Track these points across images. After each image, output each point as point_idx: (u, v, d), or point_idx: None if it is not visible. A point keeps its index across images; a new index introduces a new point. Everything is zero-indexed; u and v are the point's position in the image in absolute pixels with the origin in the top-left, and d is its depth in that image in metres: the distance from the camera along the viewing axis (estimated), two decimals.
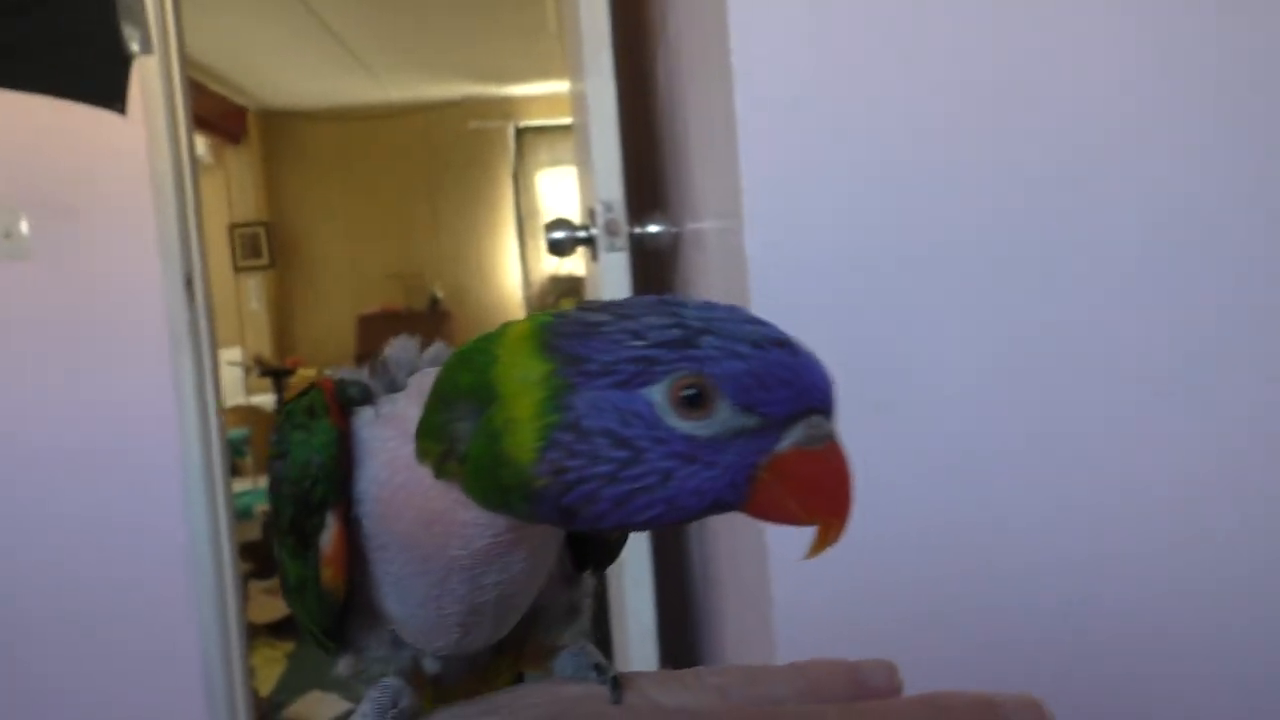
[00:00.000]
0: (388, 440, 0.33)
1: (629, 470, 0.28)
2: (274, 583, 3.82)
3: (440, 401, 0.31)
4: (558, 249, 1.32)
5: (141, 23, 2.05)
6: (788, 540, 0.33)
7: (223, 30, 4.74)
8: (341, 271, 6.96)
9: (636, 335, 0.28)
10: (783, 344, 0.28)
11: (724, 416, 0.28)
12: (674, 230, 1.31)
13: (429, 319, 6.79)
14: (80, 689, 2.05)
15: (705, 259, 1.14)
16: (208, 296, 2.14)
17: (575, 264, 6.90)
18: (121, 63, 2.05)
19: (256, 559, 3.87)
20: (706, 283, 1.18)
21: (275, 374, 5.52)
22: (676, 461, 0.28)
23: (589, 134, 1.26)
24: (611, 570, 1.36)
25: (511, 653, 0.41)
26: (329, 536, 0.33)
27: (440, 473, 0.31)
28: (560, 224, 1.31)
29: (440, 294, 6.91)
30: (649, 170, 1.64)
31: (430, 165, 7.02)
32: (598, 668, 0.35)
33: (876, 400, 0.80)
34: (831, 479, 0.29)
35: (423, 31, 5.12)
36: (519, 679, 0.42)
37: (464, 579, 0.33)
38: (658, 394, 0.28)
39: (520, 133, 6.95)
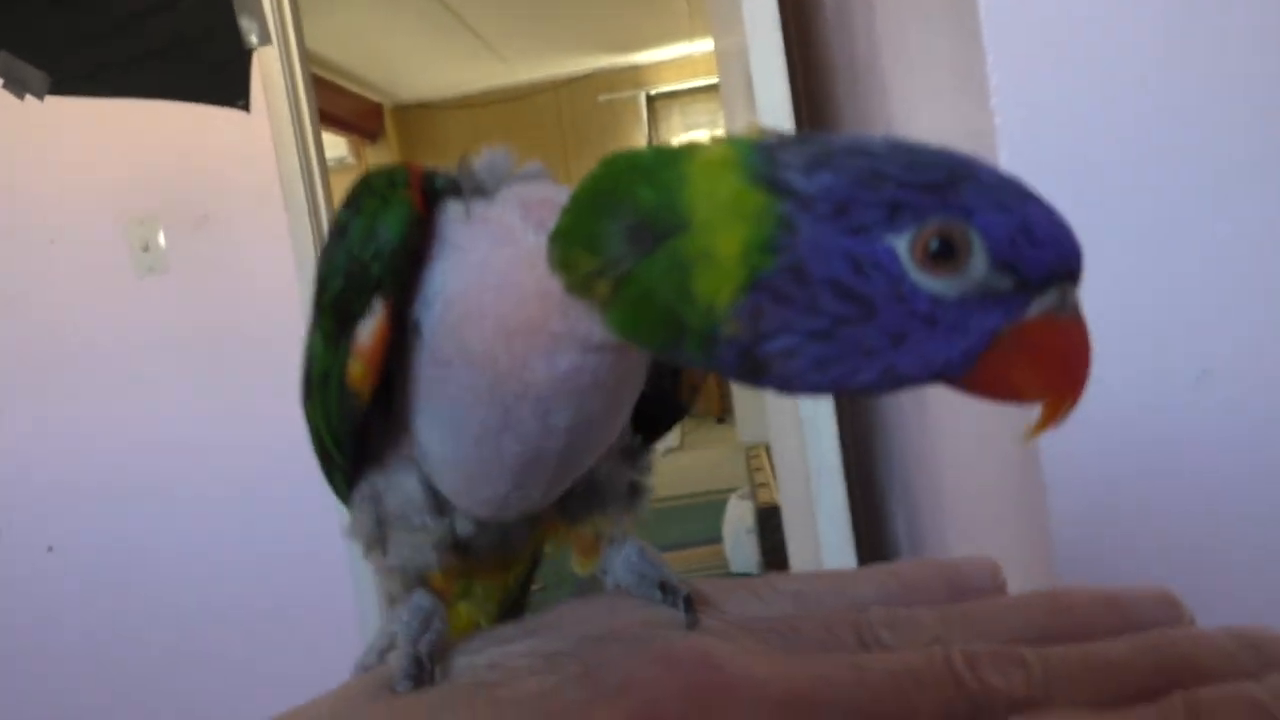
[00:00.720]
0: (478, 239, 0.31)
1: (851, 328, 0.25)
2: None
3: (602, 212, 0.28)
4: None
5: (257, 14, 1.95)
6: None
7: (351, 28, 4.76)
8: None
9: (878, 175, 0.24)
10: (1044, 200, 0.25)
11: (977, 274, 0.24)
12: None
13: None
14: (257, 659, 2.04)
15: None
16: None
17: None
18: (241, 58, 1.97)
19: None
20: None
21: None
22: (915, 323, 0.25)
23: (752, 88, 1.08)
24: (797, 504, 1.16)
25: (554, 527, 0.37)
26: (371, 326, 0.30)
27: (580, 287, 0.28)
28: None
29: None
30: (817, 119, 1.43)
31: (564, 143, 6.96)
32: (663, 586, 0.31)
33: None
34: (1076, 352, 0.25)
35: (546, 5, 5.01)
36: (535, 565, 0.38)
37: (534, 412, 0.30)
38: (903, 243, 0.24)
39: (651, 100, 6.78)
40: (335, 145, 6.07)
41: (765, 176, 0.25)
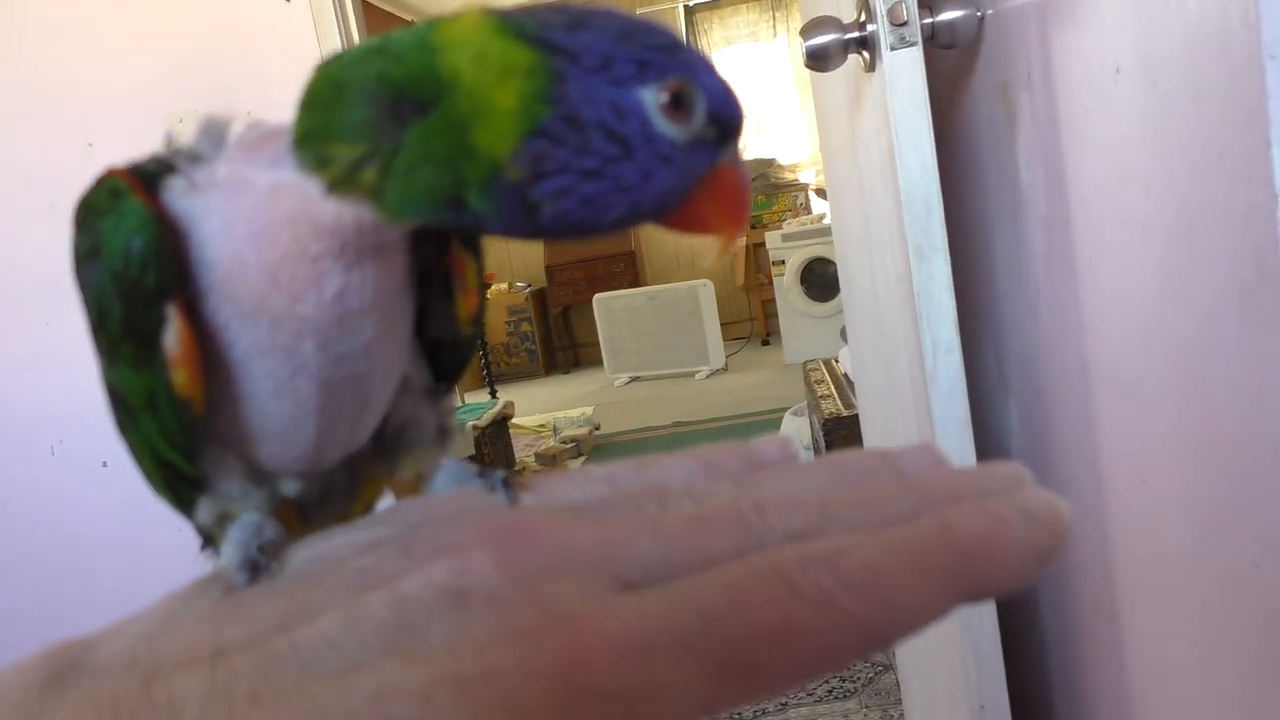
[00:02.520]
0: (215, 202, 0.30)
1: (616, 166, 0.28)
2: None
3: (351, 100, 0.28)
4: (820, 59, 1.00)
5: None
6: None
7: None
8: None
9: (627, 35, 0.28)
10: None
11: (697, 124, 0.29)
12: (978, 14, 0.97)
13: None
14: None
15: (1078, 53, 0.80)
16: None
17: (761, 146, 6.59)
18: None
19: None
20: (1073, 96, 0.84)
21: None
22: (658, 163, 0.28)
23: None
24: (896, 396, 1.07)
25: (375, 475, 0.39)
26: (174, 332, 0.30)
27: (344, 181, 0.28)
28: (824, 25, 0.98)
29: None
30: None
31: None
32: (481, 474, 0.32)
33: None
34: (743, 193, 0.31)
35: None
36: None
37: (316, 346, 0.31)
38: (650, 94, 0.28)
39: (690, 12, 6.53)
40: None
41: (531, 36, 0.28)
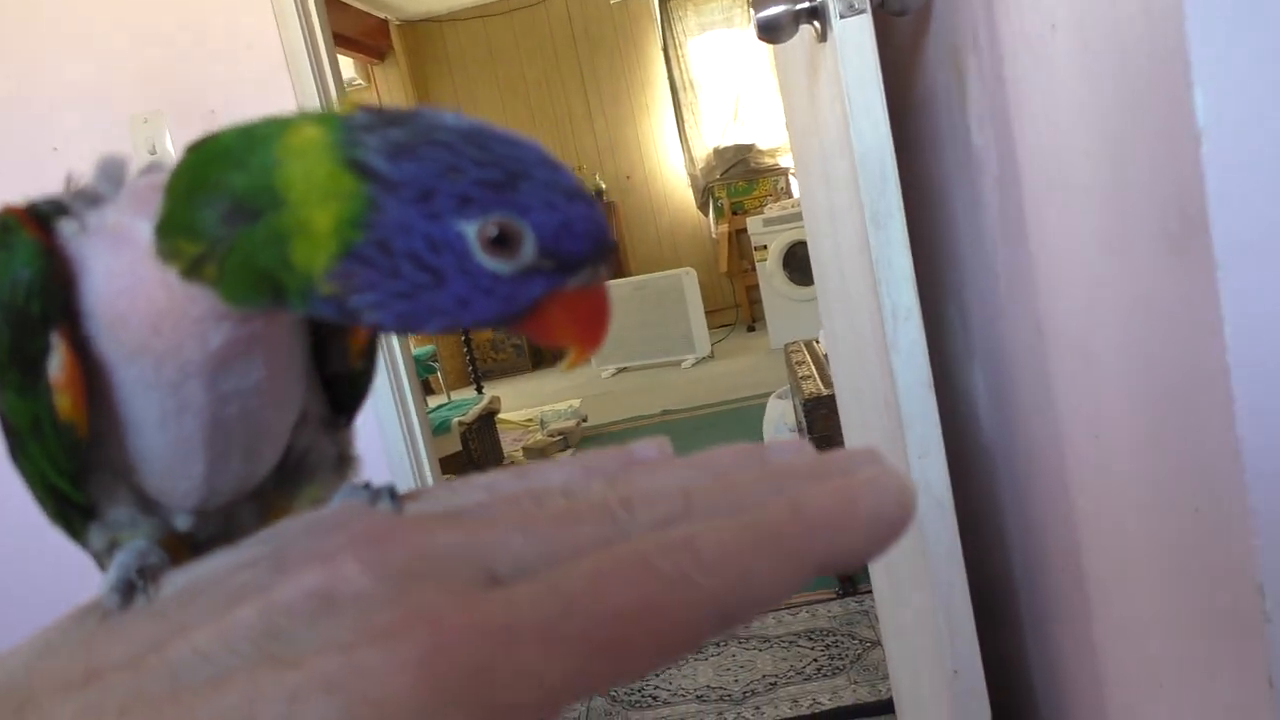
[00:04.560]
0: (101, 249, 0.32)
1: (428, 293, 0.29)
2: None
3: (197, 200, 0.30)
4: (772, 30, 1.00)
5: None
6: None
7: None
8: None
9: (454, 169, 0.28)
10: (586, 198, 0.30)
11: (527, 258, 0.29)
12: None
13: None
14: None
15: (1020, 32, 0.80)
16: None
17: (739, 133, 6.59)
18: None
19: (460, 471, 3.84)
20: (1015, 65, 0.84)
21: None
22: (476, 293, 0.29)
23: None
24: (891, 435, 1.08)
25: (276, 506, 0.39)
26: (58, 359, 0.31)
27: (191, 273, 0.30)
28: None
29: (604, 185, 6.70)
30: None
31: (577, 52, 6.75)
32: (367, 487, 0.33)
33: None
34: (598, 314, 0.32)
35: None
36: None
37: (201, 385, 0.33)
38: (471, 229, 0.28)
39: (665, 1, 6.51)
40: (343, 67, 5.90)
41: (354, 161, 0.28)
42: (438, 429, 3.76)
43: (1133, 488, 0.70)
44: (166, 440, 0.34)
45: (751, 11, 1.01)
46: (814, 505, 0.22)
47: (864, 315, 1.13)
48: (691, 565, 0.20)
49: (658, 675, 2.18)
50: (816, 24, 1.00)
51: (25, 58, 1.92)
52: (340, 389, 0.40)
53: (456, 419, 3.91)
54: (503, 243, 0.29)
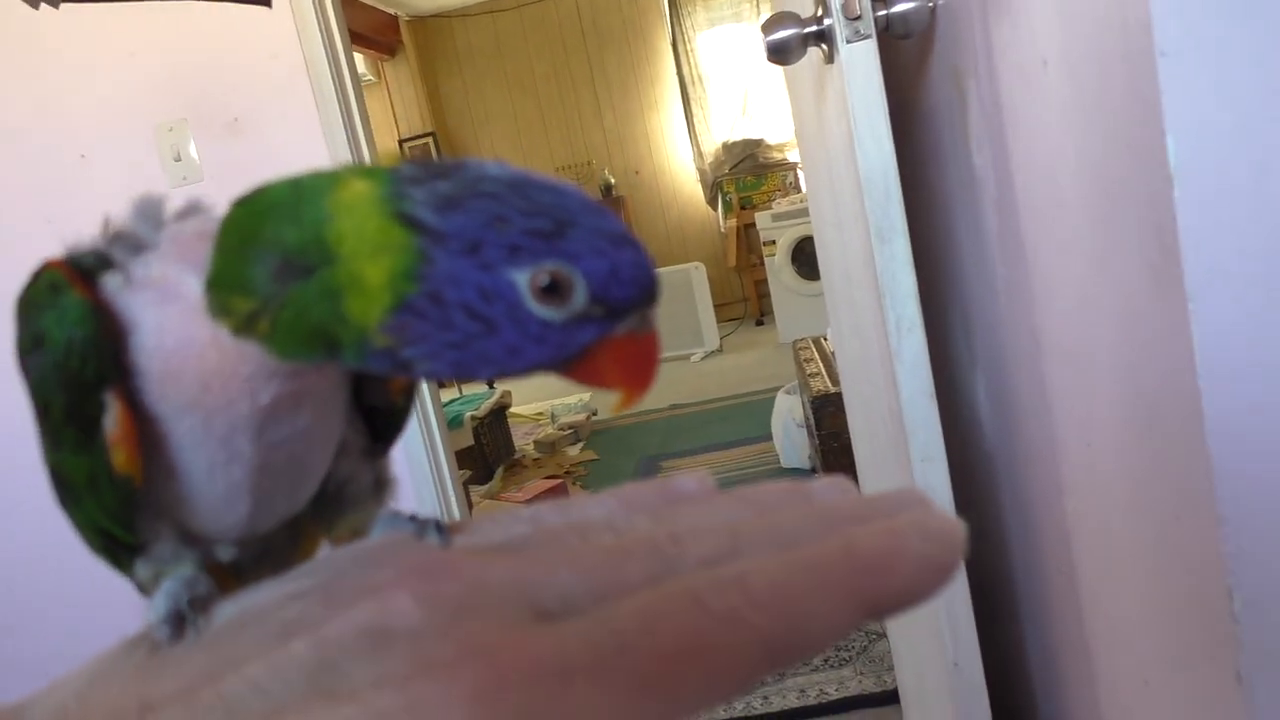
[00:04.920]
0: (148, 304, 0.32)
1: (480, 342, 0.29)
2: (493, 486, 3.84)
3: (249, 256, 0.30)
4: (781, 53, 1.05)
5: None
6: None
7: None
8: None
9: (502, 219, 0.29)
10: (633, 243, 0.30)
11: (578, 306, 0.29)
12: (929, 4, 1.01)
13: (606, 207, 6.64)
14: None
15: (1013, 41, 0.84)
16: None
17: (748, 127, 6.62)
18: None
19: (473, 465, 3.89)
20: (1013, 83, 0.88)
21: None
22: (528, 341, 0.30)
23: None
24: (895, 441, 1.12)
25: (314, 533, 0.41)
26: (113, 416, 0.32)
27: (243, 330, 0.31)
28: (783, 20, 1.03)
29: (612, 179, 6.73)
30: None
31: (586, 47, 6.78)
32: (413, 519, 0.34)
33: None
34: (648, 358, 0.32)
35: None
36: None
37: (249, 437, 0.33)
38: (522, 279, 0.29)
39: None
40: None
41: (404, 214, 0.29)
42: (450, 424, 3.81)
43: (1119, 492, 0.75)
44: (215, 488, 0.35)
45: (761, 35, 1.06)
46: (866, 546, 0.22)
47: (869, 324, 1.18)
48: (744, 603, 0.20)
49: None
50: (824, 46, 1.04)
51: (54, 68, 1.97)
52: (380, 420, 0.40)
53: (469, 413, 3.96)
54: (554, 291, 0.29)
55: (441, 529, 0.32)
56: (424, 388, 2.10)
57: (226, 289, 0.31)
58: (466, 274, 0.29)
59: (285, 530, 0.39)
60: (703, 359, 5.78)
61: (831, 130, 1.20)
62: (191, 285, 0.32)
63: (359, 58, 6.21)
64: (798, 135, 1.75)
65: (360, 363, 0.31)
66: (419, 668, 0.19)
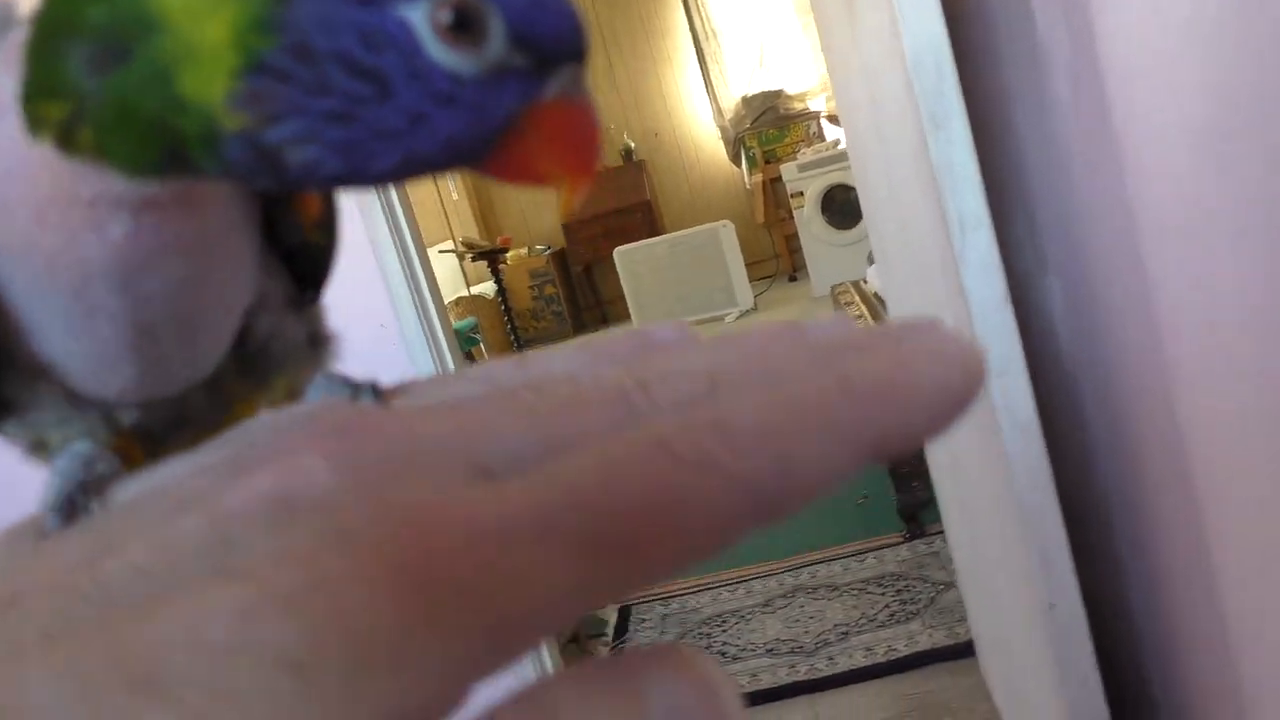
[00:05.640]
0: None
1: (369, 109, 0.23)
2: None
3: (57, 49, 0.24)
4: None
5: None
6: None
7: None
8: None
9: None
10: None
11: (494, 50, 0.23)
12: None
13: (627, 173, 6.52)
14: None
15: None
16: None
17: (766, 79, 6.44)
18: None
19: None
20: None
21: (488, 255, 5.44)
22: (434, 103, 0.23)
23: None
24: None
25: (248, 399, 0.35)
26: None
27: (64, 142, 0.24)
28: None
29: (632, 144, 6.60)
30: None
31: (594, 8, 6.63)
32: (348, 383, 0.28)
33: None
34: (588, 132, 0.25)
35: None
36: None
37: (111, 288, 0.27)
38: (417, 13, 0.22)
39: None
40: None
41: None
42: None
43: (1258, 385, 0.62)
44: (80, 346, 0.29)
45: None
46: (866, 376, 0.19)
47: (924, 234, 1.05)
48: (719, 447, 0.17)
49: (724, 630, 2.14)
50: None
51: None
52: (301, 263, 0.35)
53: None
54: (463, 28, 0.23)
55: (377, 392, 0.27)
56: (449, 369, 2.01)
57: (38, 94, 0.25)
58: (341, 13, 0.22)
59: (204, 393, 0.34)
60: (737, 319, 5.66)
61: (868, 22, 1.07)
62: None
63: None
64: (825, 50, 1.62)
65: (215, 163, 0.24)
66: (329, 539, 0.17)
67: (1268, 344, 0.59)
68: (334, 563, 0.16)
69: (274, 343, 0.34)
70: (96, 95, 0.24)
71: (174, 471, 0.23)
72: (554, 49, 0.24)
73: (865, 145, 1.42)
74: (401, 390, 0.26)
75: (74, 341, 0.29)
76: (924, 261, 1.10)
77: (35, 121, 0.25)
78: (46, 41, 0.25)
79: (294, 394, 0.34)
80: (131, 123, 0.24)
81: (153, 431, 0.33)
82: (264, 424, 0.24)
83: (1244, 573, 0.74)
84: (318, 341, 0.36)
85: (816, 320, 0.23)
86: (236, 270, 0.31)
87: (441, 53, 0.23)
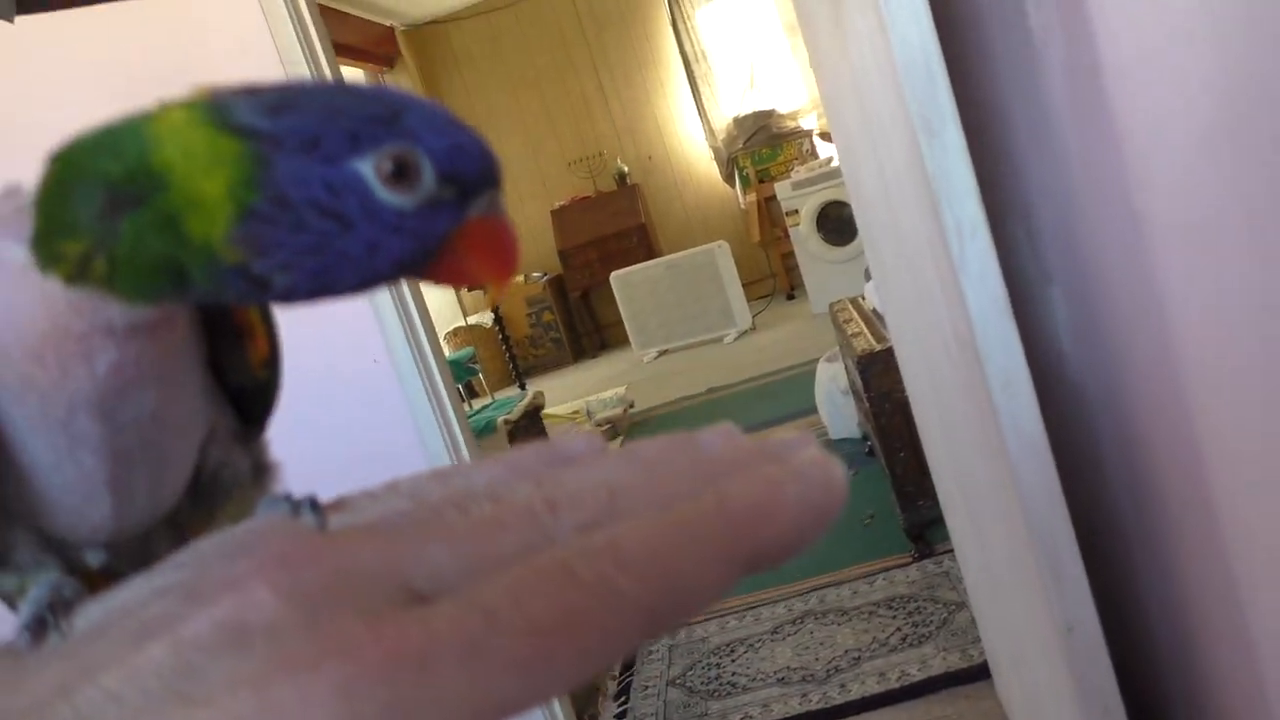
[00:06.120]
0: None
1: (336, 240, 0.29)
2: None
3: (74, 198, 0.29)
4: None
5: None
6: None
7: None
8: (525, 170, 6.79)
9: (337, 112, 0.29)
10: (466, 125, 0.30)
11: (427, 188, 0.29)
12: None
13: (622, 196, 6.51)
14: None
15: None
16: None
17: (758, 99, 6.44)
18: None
19: None
20: None
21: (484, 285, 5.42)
22: (385, 232, 0.29)
23: None
24: (966, 373, 0.96)
25: (196, 525, 0.39)
26: None
27: (78, 275, 0.29)
28: None
29: (625, 168, 6.59)
30: None
31: (585, 35, 6.64)
32: (289, 499, 0.31)
33: None
34: (508, 241, 0.31)
35: None
36: None
37: (93, 416, 0.32)
38: (366, 166, 0.28)
39: None
40: (353, 78, 5.84)
41: (232, 124, 0.28)
42: (482, 430, 3.70)
43: (1272, 392, 0.59)
44: (65, 480, 0.33)
45: None
46: (739, 497, 0.22)
47: (921, 244, 1.01)
48: (614, 570, 0.20)
49: (734, 660, 2.09)
50: None
51: (15, 85, 1.86)
52: (247, 400, 0.39)
53: (502, 417, 3.84)
54: (401, 174, 0.28)
55: (316, 507, 0.29)
56: (443, 399, 1.98)
57: (54, 237, 0.29)
58: (309, 171, 0.28)
59: (166, 529, 0.38)
60: (736, 339, 5.63)
61: (857, 32, 1.04)
62: (13, 252, 0.30)
63: (358, 72, 6.13)
64: (815, 66, 1.59)
65: (213, 288, 0.29)
66: (277, 666, 0.19)
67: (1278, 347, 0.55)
68: (282, 690, 0.18)
69: (224, 473, 0.38)
70: (111, 233, 0.29)
71: (134, 594, 0.25)
72: (473, 182, 0.30)
73: (858, 159, 1.39)
74: (338, 505, 0.28)
75: (58, 474, 0.33)
76: (922, 273, 1.07)
77: (50, 258, 0.29)
78: (60, 190, 0.30)
79: (239, 520, 0.35)
80: (144, 256, 0.29)
81: (118, 571, 0.36)
82: (212, 546, 0.26)
83: (1267, 589, 0.70)
84: (262, 471, 0.39)
85: (709, 431, 0.26)
86: (193, 403, 0.36)
87: (387, 194, 0.28)
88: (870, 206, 1.41)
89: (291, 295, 0.30)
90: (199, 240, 0.28)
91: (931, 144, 0.81)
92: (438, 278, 0.31)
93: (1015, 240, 1.07)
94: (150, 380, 0.32)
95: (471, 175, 0.30)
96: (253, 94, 0.29)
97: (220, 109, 0.29)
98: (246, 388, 0.39)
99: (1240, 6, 0.50)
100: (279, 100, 0.29)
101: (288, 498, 0.31)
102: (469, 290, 0.33)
